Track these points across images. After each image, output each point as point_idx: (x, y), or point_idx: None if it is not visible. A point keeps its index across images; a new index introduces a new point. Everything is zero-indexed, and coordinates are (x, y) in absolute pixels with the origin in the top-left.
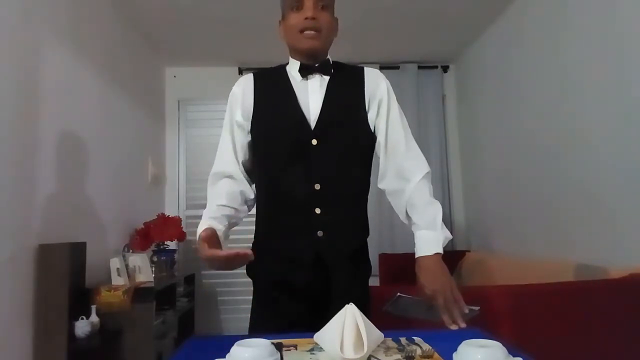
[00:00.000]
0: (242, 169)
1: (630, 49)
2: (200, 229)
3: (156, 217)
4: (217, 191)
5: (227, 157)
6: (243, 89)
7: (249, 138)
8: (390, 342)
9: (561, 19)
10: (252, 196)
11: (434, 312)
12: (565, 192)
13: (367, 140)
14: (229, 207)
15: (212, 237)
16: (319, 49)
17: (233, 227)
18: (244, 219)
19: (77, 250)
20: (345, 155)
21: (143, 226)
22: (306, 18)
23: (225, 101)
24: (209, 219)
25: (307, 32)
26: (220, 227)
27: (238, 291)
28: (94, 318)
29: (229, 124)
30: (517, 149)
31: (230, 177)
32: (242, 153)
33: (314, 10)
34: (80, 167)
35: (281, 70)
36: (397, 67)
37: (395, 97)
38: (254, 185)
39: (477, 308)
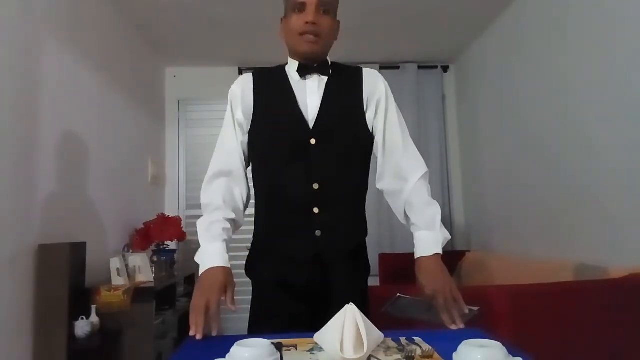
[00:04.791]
0: (243, 166)
1: (631, 48)
2: (210, 256)
3: (156, 217)
4: (219, 198)
5: (228, 153)
6: (242, 88)
7: (246, 137)
8: (390, 342)
9: (561, 19)
10: (248, 197)
11: (433, 313)
12: (565, 192)
13: (365, 140)
14: (234, 219)
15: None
16: (317, 53)
17: None
18: (244, 219)
19: (77, 250)
20: (344, 155)
21: (143, 226)
22: (307, 22)
23: (225, 101)
24: (222, 243)
25: (306, 36)
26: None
27: (238, 291)
28: (94, 318)
29: (231, 121)
30: (517, 149)
31: (229, 174)
32: (244, 151)
33: (316, 15)
34: (80, 167)
35: (280, 70)
36: (397, 67)
37: (393, 98)
38: (248, 184)
39: (476, 309)
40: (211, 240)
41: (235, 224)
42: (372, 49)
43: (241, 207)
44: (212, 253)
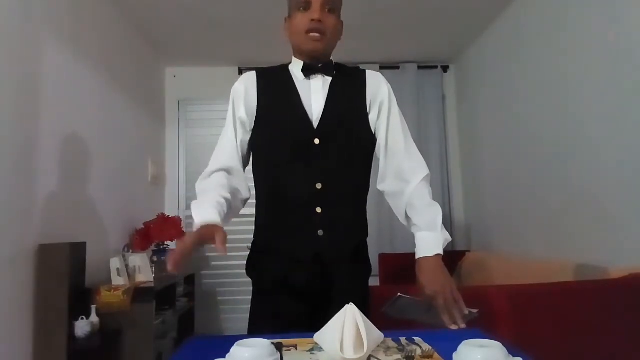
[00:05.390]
0: (242, 165)
1: (631, 48)
2: (199, 219)
3: (156, 217)
4: (214, 182)
5: (228, 151)
6: (246, 86)
7: (249, 136)
8: (390, 342)
9: (561, 19)
10: (246, 195)
11: (433, 313)
12: (565, 192)
13: (368, 141)
14: (229, 199)
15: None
16: (321, 52)
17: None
18: (244, 220)
19: (77, 250)
20: (347, 155)
21: (143, 226)
22: (312, 20)
23: (225, 101)
24: (210, 208)
25: (311, 34)
26: (219, 220)
27: (238, 291)
28: (94, 318)
29: (232, 120)
30: (517, 149)
31: (228, 171)
32: (243, 150)
33: (321, 13)
34: (80, 167)
35: (284, 69)
36: (397, 67)
37: (395, 100)
38: (248, 184)
39: (476, 311)
40: (201, 206)
41: (232, 207)
42: (372, 49)
43: (238, 200)
44: (202, 212)
